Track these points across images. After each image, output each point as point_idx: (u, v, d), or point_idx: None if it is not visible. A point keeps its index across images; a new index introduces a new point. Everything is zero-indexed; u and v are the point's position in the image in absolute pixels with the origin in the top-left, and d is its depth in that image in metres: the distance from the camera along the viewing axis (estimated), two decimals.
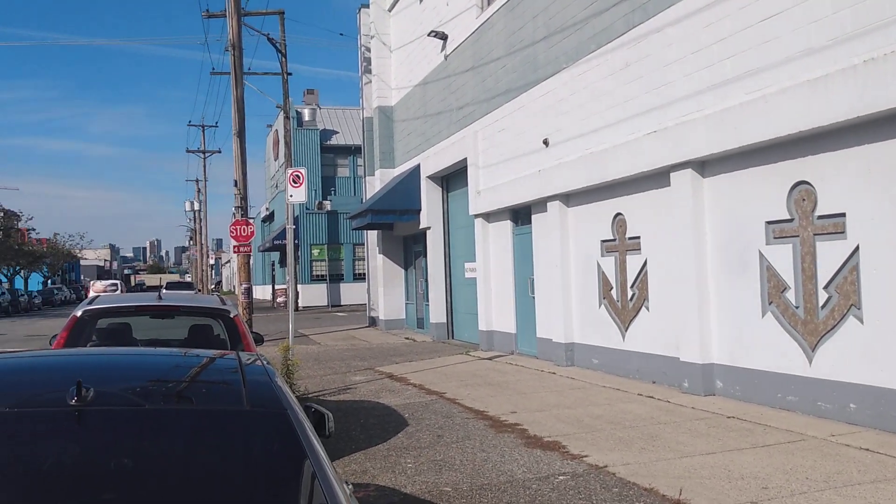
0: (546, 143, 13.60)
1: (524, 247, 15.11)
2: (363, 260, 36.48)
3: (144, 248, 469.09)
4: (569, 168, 12.73)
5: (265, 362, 3.13)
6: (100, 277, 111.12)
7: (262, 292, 53.44)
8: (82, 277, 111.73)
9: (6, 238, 56.76)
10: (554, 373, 12.52)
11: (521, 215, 15.38)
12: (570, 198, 13.20)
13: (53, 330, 28.62)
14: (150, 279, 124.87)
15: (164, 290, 8.45)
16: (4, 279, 67.13)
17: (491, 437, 7.96)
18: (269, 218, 52.34)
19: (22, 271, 72.08)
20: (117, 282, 70.68)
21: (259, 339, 7.90)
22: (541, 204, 13.97)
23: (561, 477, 6.35)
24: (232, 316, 6.98)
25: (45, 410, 2.50)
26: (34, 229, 67.02)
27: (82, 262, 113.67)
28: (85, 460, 2.36)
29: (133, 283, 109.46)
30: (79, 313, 6.73)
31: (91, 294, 54.96)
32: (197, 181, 74.14)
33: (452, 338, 19.37)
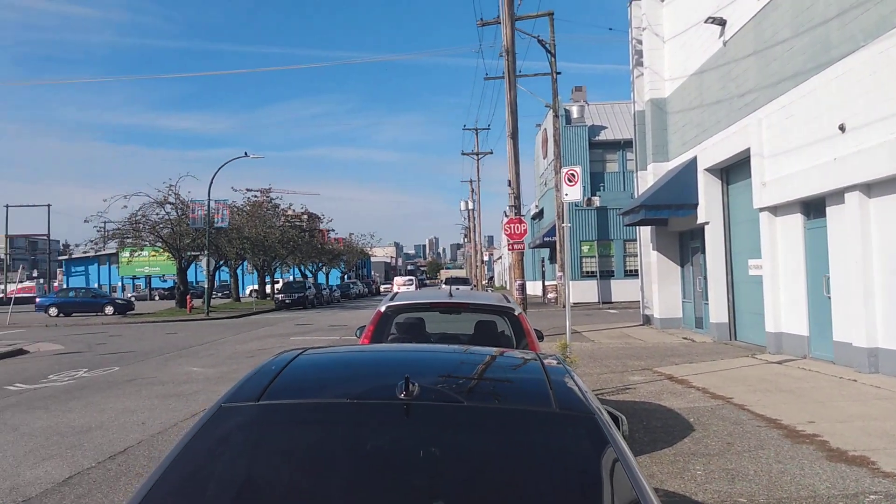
0: (842, 128, 12.39)
1: (817, 242, 13.89)
2: (634, 256, 35.80)
3: (424, 246, 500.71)
4: (869, 155, 11.49)
5: (563, 363, 3.23)
6: (389, 274, 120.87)
7: (532, 288, 54.55)
8: (372, 273, 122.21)
9: (311, 238, 63.71)
10: (855, 380, 11.39)
11: (813, 208, 14.16)
12: (872, 188, 11.90)
13: (351, 321, 31.64)
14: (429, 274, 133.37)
15: (453, 288, 8.95)
16: (310, 275, 75.58)
17: (787, 447, 7.47)
18: (539, 215, 53.25)
19: (323, 268, 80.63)
20: (413, 278, 78.71)
21: (540, 336, 8.09)
22: (837, 195, 12.76)
23: (872, 496, 5.80)
24: (516, 314, 7.24)
25: (378, 403, 2.71)
26: (333, 230, 74.54)
27: (372, 259, 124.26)
28: (410, 452, 2.52)
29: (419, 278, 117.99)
30: (382, 309, 7.39)
31: (393, 289, 59.70)
32: (471, 181, 77.67)
33: (735, 339, 18.35)
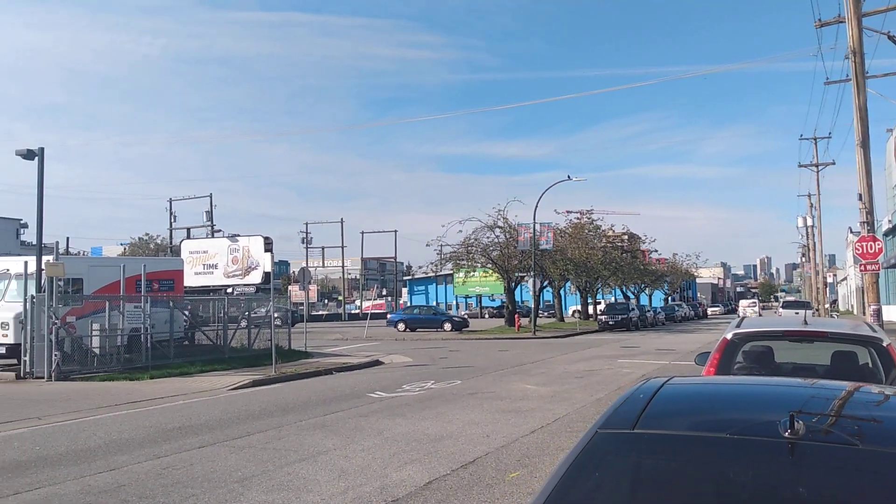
0: None
1: None
2: None
3: (754, 266, 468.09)
4: None
5: None
6: (716, 297, 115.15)
7: (888, 313, 48.11)
8: (698, 295, 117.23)
9: (633, 259, 63.09)
10: None
11: None
12: None
13: (679, 345, 30.51)
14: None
15: (807, 314, 8.27)
16: (632, 296, 74.77)
17: None
18: (892, 231, 46.94)
19: (646, 289, 79.26)
20: (755, 300, 75.68)
21: None
22: None
23: None
24: (885, 344, 6.50)
25: (761, 440, 2.59)
26: (656, 250, 73.03)
27: (697, 280, 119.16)
28: (795, 496, 2.38)
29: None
30: (729, 336, 7.07)
31: (739, 313, 56.97)
32: (808, 196, 71.01)
33: None
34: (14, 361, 19.73)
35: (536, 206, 42.83)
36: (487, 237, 47.29)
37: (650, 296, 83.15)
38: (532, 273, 42.62)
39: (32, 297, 18.96)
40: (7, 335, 20.35)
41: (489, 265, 48.89)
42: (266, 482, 8.12)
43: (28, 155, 20.28)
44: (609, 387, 16.64)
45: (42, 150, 20.52)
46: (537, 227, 43.15)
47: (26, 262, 20.42)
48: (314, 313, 77.34)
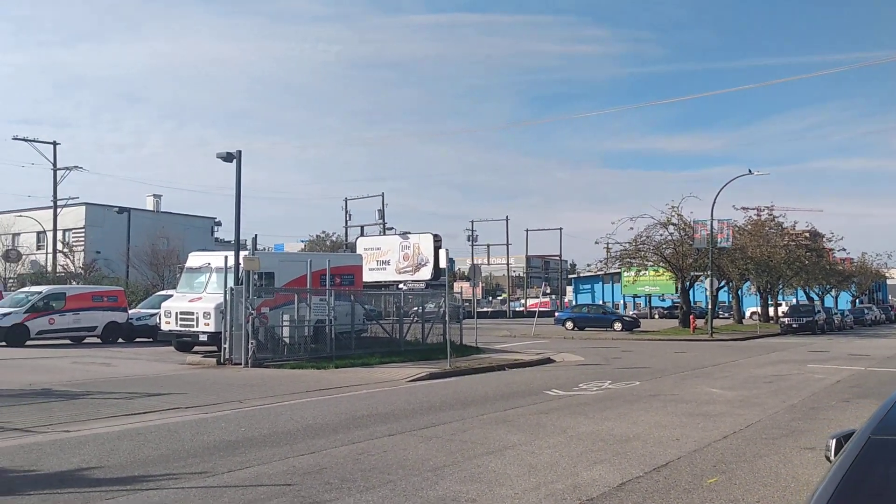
0: None
1: None
2: None
3: None
4: None
5: None
6: None
7: None
8: (889, 297, 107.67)
9: (818, 259, 58.86)
10: None
11: None
12: None
13: (873, 350, 28.34)
14: None
15: None
16: (816, 298, 69.83)
17: None
18: None
19: (832, 290, 73.75)
20: None
21: None
22: None
23: None
24: None
25: None
26: (844, 249, 67.62)
27: (888, 282, 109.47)
28: None
29: None
30: None
31: None
32: None
33: None
34: (215, 348, 21.39)
35: (714, 202, 40.97)
36: (660, 234, 45.79)
37: (836, 298, 77.30)
38: (709, 272, 40.79)
39: (231, 289, 20.44)
40: (209, 324, 22.10)
41: (662, 264, 47.30)
42: (457, 472, 8.24)
43: (227, 157, 21.89)
44: (801, 393, 15.58)
45: (239, 152, 22.08)
46: (715, 224, 41.24)
47: (226, 257, 22.09)
48: (479, 310, 78.36)
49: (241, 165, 22.06)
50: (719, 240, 41.56)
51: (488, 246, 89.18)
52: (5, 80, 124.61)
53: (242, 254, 21.29)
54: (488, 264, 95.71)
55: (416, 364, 20.99)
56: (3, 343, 25.97)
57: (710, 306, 42.91)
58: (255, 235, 27.85)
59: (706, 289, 42.89)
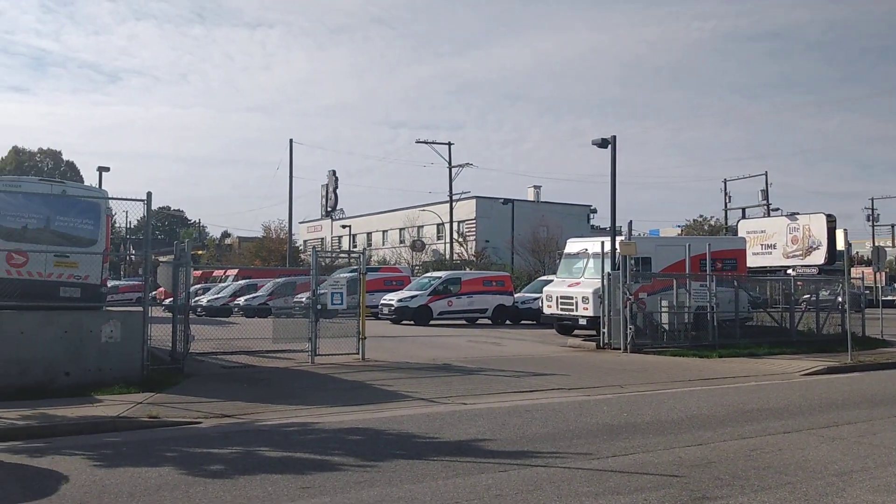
0: None
1: None
2: None
3: None
4: None
5: None
6: None
7: None
8: None
9: None
10: None
11: None
12: None
13: None
14: None
15: None
16: None
17: None
18: None
19: None
20: None
21: None
22: None
23: None
24: None
25: None
26: None
27: None
28: None
29: None
30: None
31: None
32: None
33: None
34: (594, 332, 21.81)
35: None
36: None
37: None
38: None
39: (608, 273, 20.64)
40: (587, 308, 22.63)
41: None
42: (869, 480, 7.25)
43: (602, 143, 22.16)
44: None
45: (614, 137, 22.18)
46: None
47: (603, 242, 22.38)
48: (884, 298, 68.80)
49: (615, 151, 22.14)
50: None
51: (893, 226, 77.97)
52: (410, 91, 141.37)
53: (618, 239, 21.36)
54: (893, 246, 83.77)
55: (811, 356, 19.11)
56: (412, 322, 29.54)
57: None
58: (630, 221, 27.71)
59: None
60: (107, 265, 14.43)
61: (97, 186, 30.80)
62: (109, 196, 14.73)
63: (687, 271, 22.14)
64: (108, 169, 40.61)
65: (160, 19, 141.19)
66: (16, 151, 62.05)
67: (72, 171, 58.91)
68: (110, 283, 20.81)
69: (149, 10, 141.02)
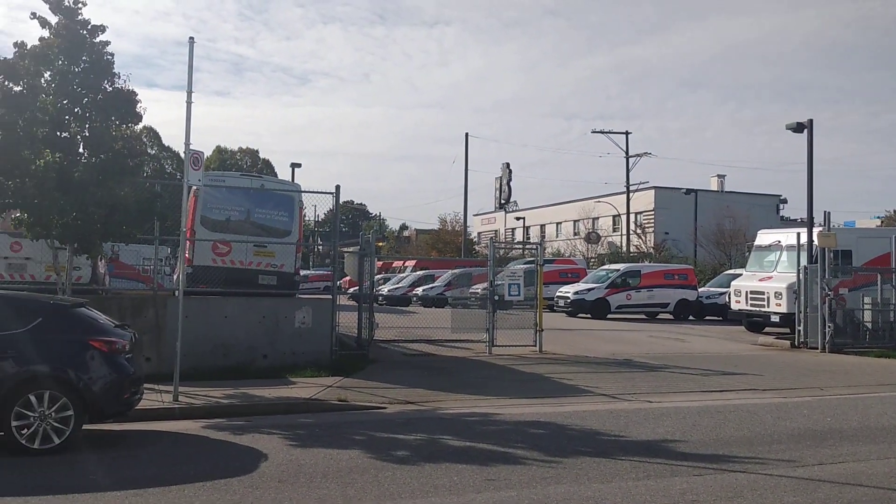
0: None
1: None
2: None
3: None
4: None
5: None
6: None
7: None
8: None
9: None
10: None
11: None
12: None
13: None
14: None
15: None
16: None
17: None
18: None
19: None
20: None
21: None
22: None
23: None
24: None
25: None
26: None
27: None
28: None
29: None
30: None
31: None
32: None
33: None
34: (787, 330, 20.34)
35: None
36: None
37: None
38: None
39: (804, 267, 19.16)
40: (780, 304, 21.12)
41: None
42: None
43: (797, 128, 20.61)
44: None
45: (811, 121, 20.56)
46: None
47: (798, 234, 20.81)
48: None
49: (812, 135, 20.50)
50: None
51: None
52: (584, 83, 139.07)
53: (816, 230, 19.75)
54: None
55: None
56: (589, 315, 28.96)
57: None
58: (827, 212, 25.56)
59: None
60: (299, 255, 15.25)
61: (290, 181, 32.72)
62: (302, 189, 15.57)
63: (893, 265, 20.11)
64: (299, 165, 43.00)
65: (345, 22, 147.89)
66: (219, 150, 67.42)
67: (267, 169, 63.11)
68: (301, 273, 22.03)
69: (335, 13, 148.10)
